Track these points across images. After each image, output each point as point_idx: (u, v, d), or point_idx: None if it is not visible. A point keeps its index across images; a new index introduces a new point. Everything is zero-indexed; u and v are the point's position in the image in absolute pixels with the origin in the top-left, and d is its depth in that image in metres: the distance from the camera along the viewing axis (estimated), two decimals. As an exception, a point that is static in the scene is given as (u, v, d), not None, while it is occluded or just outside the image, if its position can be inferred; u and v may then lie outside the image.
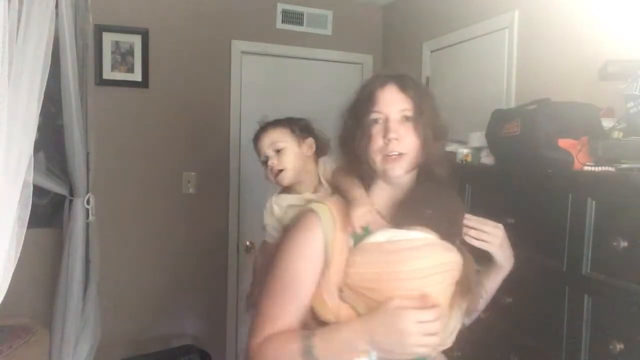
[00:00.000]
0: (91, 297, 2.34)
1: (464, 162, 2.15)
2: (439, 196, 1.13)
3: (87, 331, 2.31)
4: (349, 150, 1.14)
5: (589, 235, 1.47)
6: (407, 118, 1.09)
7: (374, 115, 1.09)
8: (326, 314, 1.04)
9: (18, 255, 1.08)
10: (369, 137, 1.08)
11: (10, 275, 1.05)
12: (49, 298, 2.43)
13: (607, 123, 1.58)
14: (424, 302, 0.97)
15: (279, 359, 1.03)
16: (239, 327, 3.27)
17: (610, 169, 1.45)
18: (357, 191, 1.12)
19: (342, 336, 0.99)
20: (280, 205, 1.41)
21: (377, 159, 1.09)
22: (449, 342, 1.11)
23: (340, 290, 1.04)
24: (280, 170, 1.43)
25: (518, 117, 1.72)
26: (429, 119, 1.10)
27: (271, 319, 1.07)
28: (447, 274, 1.04)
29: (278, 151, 1.44)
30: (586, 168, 1.52)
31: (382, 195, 1.15)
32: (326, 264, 1.05)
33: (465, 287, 1.10)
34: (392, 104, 1.08)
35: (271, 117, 1.55)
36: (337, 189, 1.19)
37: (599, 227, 1.44)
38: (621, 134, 1.47)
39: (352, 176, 1.16)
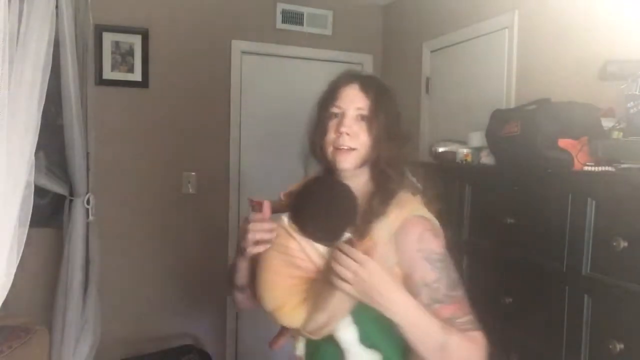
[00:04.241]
0: (91, 297, 2.34)
1: (464, 162, 2.15)
2: (327, 192, 1.12)
3: (87, 331, 2.31)
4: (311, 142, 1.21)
5: (589, 235, 1.47)
6: (362, 117, 1.14)
7: (333, 110, 1.15)
8: None
9: (20, 255, 1.08)
10: (324, 129, 1.16)
11: (13, 275, 1.05)
12: (49, 298, 2.43)
13: (607, 123, 1.59)
14: None
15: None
16: (239, 327, 3.27)
17: (610, 169, 1.45)
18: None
19: None
20: None
21: (329, 150, 1.15)
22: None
23: None
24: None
25: (518, 117, 1.72)
26: (383, 121, 1.14)
27: None
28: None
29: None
30: (586, 168, 1.52)
31: None
32: None
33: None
34: (351, 101, 1.14)
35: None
36: None
37: (599, 227, 1.44)
38: (621, 134, 1.48)
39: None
